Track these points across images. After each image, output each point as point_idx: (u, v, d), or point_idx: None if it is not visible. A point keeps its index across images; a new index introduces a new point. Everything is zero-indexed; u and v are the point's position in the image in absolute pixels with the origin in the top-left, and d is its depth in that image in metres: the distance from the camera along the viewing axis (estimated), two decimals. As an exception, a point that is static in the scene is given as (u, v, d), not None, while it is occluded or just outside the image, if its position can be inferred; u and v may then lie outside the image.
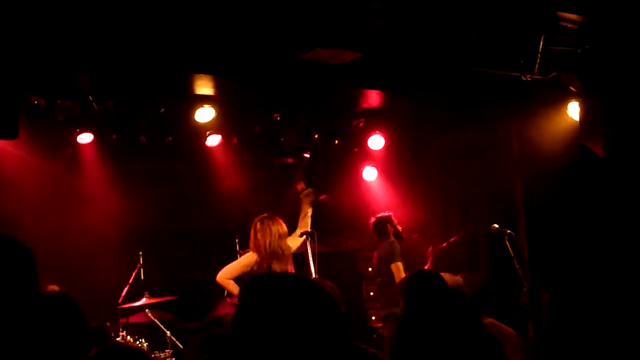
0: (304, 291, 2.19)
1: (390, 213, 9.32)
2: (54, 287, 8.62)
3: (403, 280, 5.70)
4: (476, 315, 2.76)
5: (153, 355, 7.99)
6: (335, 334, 2.13)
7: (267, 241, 7.83)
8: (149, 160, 9.83)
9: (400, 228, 9.24)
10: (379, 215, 9.34)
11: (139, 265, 8.95)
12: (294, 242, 8.11)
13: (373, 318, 10.70)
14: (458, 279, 7.92)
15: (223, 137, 9.51)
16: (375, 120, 9.92)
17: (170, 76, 7.66)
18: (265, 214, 8.08)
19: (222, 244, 10.16)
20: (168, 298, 8.96)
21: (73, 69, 7.18)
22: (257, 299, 2.18)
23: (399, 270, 8.82)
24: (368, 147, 10.31)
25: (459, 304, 2.73)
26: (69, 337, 2.61)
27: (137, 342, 8.10)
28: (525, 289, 7.94)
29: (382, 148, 10.35)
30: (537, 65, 7.25)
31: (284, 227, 7.98)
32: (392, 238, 9.14)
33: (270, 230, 7.89)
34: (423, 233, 9.60)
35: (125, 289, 8.75)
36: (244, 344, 2.09)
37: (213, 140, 9.46)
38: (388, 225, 9.18)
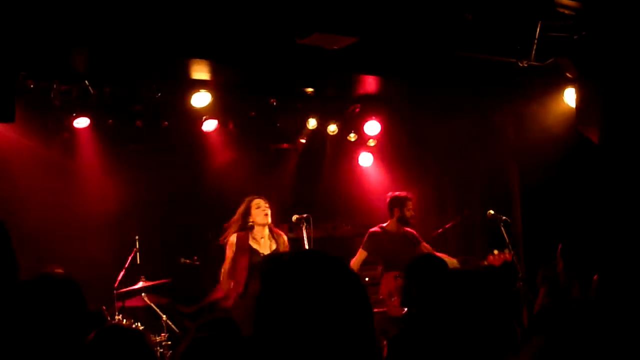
0: (333, 270, 2.11)
1: (405, 195, 9.15)
2: (58, 270, 8.68)
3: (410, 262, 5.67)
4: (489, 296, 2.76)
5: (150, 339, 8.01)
6: (363, 318, 2.07)
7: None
8: (145, 145, 9.83)
9: (409, 214, 9.07)
10: (395, 193, 9.21)
11: (135, 249, 8.96)
12: None
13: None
14: (454, 261, 7.96)
15: (219, 122, 9.51)
16: (371, 105, 9.92)
17: (166, 61, 7.66)
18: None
19: (217, 228, 10.16)
20: (163, 281, 8.98)
21: (70, 52, 7.18)
22: (281, 278, 2.10)
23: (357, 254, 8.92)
24: (364, 132, 10.32)
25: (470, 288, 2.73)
26: (70, 319, 2.62)
27: (134, 326, 8.12)
28: (520, 275, 7.98)
29: (378, 134, 10.36)
30: (533, 52, 7.25)
31: None
32: (394, 220, 9.04)
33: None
34: (419, 219, 9.58)
35: (122, 273, 8.76)
36: (268, 326, 2.03)
37: (209, 125, 9.45)
38: (396, 207, 9.09)
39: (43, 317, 2.59)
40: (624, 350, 1.52)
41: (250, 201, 8.15)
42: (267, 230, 8.06)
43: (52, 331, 2.57)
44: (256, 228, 8.05)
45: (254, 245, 7.99)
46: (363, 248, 8.95)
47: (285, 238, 8.19)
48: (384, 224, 9.05)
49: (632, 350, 1.52)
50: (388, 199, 9.14)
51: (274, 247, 8.03)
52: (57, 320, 2.61)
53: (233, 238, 8.07)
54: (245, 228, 8.06)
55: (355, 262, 8.88)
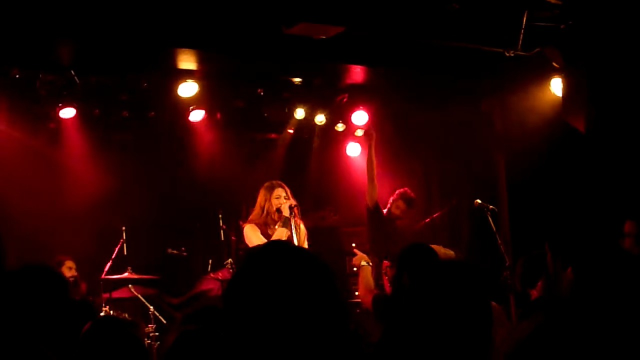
0: (302, 260, 2.16)
1: (402, 193, 9.14)
2: (67, 259, 8.65)
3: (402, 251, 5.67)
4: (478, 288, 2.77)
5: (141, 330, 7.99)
6: (333, 305, 2.11)
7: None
8: (132, 135, 9.80)
9: (396, 212, 9.05)
10: (404, 189, 9.19)
11: (122, 240, 8.94)
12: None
13: (356, 293, 10.71)
14: (450, 252, 7.91)
15: (206, 112, 9.47)
16: (358, 95, 9.91)
17: (153, 50, 7.63)
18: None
19: (205, 219, 10.16)
20: (151, 277, 8.97)
21: (56, 41, 7.14)
22: (255, 268, 2.14)
23: None
24: (352, 122, 10.30)
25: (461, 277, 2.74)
26: (53, 310, 2.61)
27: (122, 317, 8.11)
28: (507, 264, 8.00)
29: (366, 124, 10.34)
30: (520, 41, 7.27)
31: None
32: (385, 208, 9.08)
33: None
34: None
35: (108, 264, 8.75)
36: (238, 312, 2.07)
37: (196, 115, 9.42)
38: (393, 197, 9.11)
39: (25, 307, 2.57)
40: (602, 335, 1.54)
41: (271, 191, 7.61)
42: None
43: (35, 321, 2.56)
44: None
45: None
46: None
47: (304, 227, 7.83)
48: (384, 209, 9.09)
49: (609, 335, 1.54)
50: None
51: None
52: (40, 310, 2.60)
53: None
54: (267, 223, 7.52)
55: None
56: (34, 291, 2.64)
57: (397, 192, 9.16)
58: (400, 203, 9.04)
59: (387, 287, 5.99)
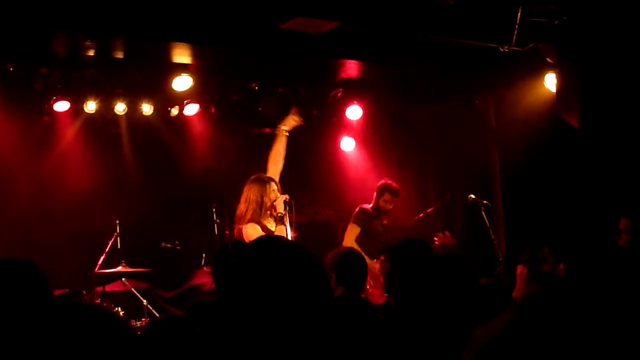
0: (294, 255, 2.22)
1: (385, 184, 9.09)
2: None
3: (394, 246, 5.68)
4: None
5: (130, 324, 7.99)
6: (323, 300, 2.16)
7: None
8: (126, 129, 9.78)
9: (385, 206, 9.02)
10: (386, 180, 9.11)
11: (115, 233, 8.93)
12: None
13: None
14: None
15: (200, 106, 9.47)
16: (353, 90, 9.90)
17: (147, 44, 7.61)
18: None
19: (199, 213, 10.15)
20: (144, 270, 8.95)
21: (50, 34, 7.12)
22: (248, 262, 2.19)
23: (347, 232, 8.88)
24: (346, 117, 10.30)
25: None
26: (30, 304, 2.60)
27: (114, 311, 8.11)
28: (500, 259, 8.02)
29: (360, 118, 10.35)
30: (514, 36, 7.27)
31: None
32: (370, 204, 9.05)
33: None
34: (400, 203, 9.60)
35: (102, 257, 8.74)
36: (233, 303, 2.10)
37: (190, 109, 9.41)
38: (376, 193, 9.06)
39: (4, 301, 2.56)
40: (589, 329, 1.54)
41: (265, 186, 7.35)
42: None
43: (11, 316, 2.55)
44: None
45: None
46: (354, 222, 8.91)
47: None
48: (369, 205, 9.06)
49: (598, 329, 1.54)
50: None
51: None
52: (17, 305, 2.58)
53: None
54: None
55: (348, 239, 8.78)
56: (12, 285, 2.63)
57: (378, 186, 9.05)
58: (387, 196, 8.99)
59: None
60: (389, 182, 9.06)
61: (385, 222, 9.10)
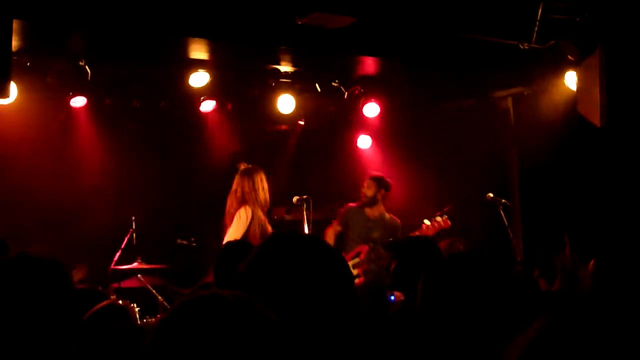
0: (318, 251, 2.22)
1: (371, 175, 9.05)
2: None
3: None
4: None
5: (145, 320, 7.98)
6: (346, 295, 2.16)
7: (267, 195, 7.60)
8: (143, 125, 9.78)
9: (364, 192, 8.97)
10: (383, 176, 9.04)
11: (131, 230, 8.93)
12: None
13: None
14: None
15: (217, 103, 9.45)
16: (370, 87, 9.85)
17: (164, 40, 7.60)
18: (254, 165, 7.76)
19: (215, 210, 10.12)
20: (160, 266, 8.95)
21: (67, 30, 7.11)
22: (273, 257, 2.20)
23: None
24: (363, 114, 10.25)
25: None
26: (54, 302, 2.56)
27: (130, 306, 8.08)
28: (518, 259, 7.95)
29: (377, 116, 10.29)
30: (535, 34, 7.20)
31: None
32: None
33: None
34: (417, 201, 9.54)
35: (118, 253, 8.74)
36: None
37: (207, 105, 9.40)
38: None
39: (21, 297, 2.52)
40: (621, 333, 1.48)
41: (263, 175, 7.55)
42: None
43: (32, 312, 2.50)
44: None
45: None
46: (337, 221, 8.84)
47: None
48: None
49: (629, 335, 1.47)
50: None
51: None
52: (38, 300, 2.54)
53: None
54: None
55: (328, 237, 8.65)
56: (32, 279, 2.58)
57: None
58: (363, 182, 8.89)
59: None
60: (378, 173, 9.00)
61: (378, 214, 8.91)
